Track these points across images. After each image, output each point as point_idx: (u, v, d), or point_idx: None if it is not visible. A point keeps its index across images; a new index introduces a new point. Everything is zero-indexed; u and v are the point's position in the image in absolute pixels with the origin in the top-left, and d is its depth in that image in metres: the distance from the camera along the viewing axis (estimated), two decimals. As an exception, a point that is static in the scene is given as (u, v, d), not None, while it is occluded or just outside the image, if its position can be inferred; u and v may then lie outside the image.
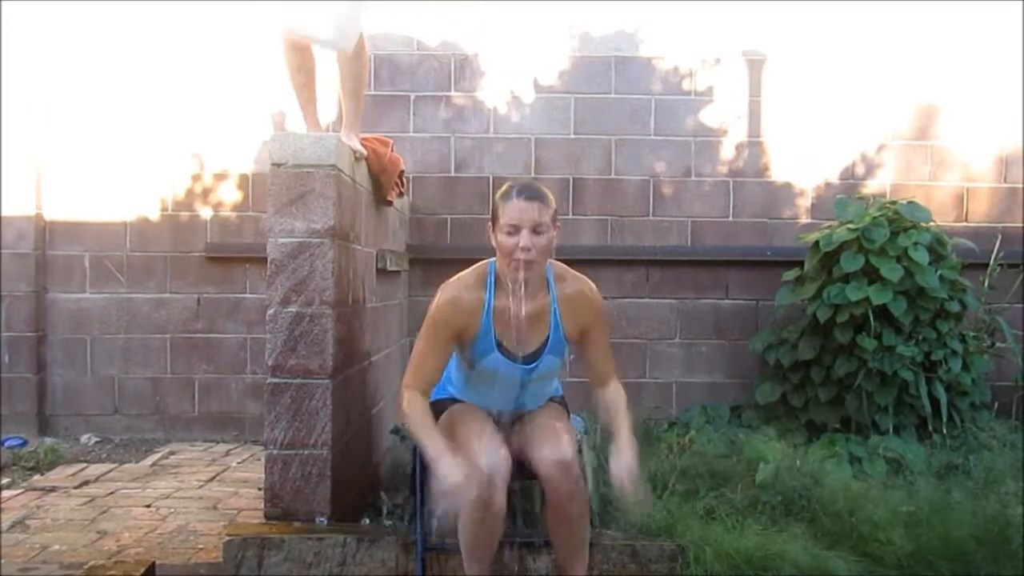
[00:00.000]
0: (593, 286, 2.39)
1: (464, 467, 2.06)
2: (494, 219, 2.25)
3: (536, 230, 2.18)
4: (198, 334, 4.45)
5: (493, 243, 2.26)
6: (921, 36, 4.44)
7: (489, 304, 2.29)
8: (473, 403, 2.43)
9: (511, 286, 2.25)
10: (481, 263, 2.36)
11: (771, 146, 4.50)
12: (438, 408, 2.43)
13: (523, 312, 2.26)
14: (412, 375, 2.30)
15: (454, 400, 2.46)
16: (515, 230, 2.19)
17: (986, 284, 3.99)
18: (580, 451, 2.30)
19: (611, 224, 4.48)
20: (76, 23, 4.38)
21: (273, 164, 2.64)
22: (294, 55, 3.01)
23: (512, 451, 2.24)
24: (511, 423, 2.43)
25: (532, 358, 2.32)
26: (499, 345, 2.30)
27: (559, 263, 2.39)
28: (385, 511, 2.66)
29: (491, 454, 2.15)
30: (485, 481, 2.10)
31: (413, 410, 2.23)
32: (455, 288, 2.31)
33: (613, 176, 4.50)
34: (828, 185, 4.48)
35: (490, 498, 2.13)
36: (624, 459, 2.15)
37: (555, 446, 2.21)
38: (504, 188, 2.27)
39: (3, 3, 4.23)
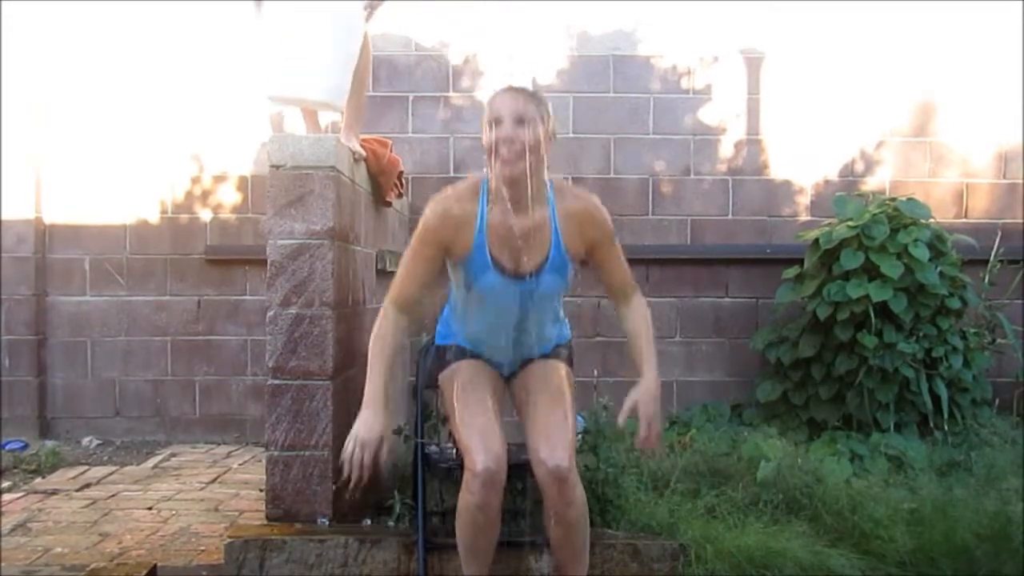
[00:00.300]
0: (597, 201, 2.26)
1: (376, 427, 2.07)
2: (482, 124, 2.12)
3: (520, 121, 2.04)
4: (198, 336, 4.45)
5: (485, 155, 2.12)
6: (919, 33, 4.44)
7: (482, 218, 2.16)
8: (474, 351, 2.37)
9: (504, 194, 2.10)
10: (473, 176, 2.24)
11: (770, 144, 4.50)
12: (444, 357, 2.39)
13: (517, 221, 2.13)
14: (394, 288, 2.26)
15: (460, 351, 2.38)
16: (497, 122, 2.06)
17: (986, 280, 4.00)
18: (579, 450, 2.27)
19: (610, 223, 4.48)
20: (76, 23, 4.38)
21: (272, 166, 2.63)
22: None
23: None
24: (514, 372, 2.38)
25: (532, 276, 2.21)
26: (494, 262, 2.19)
27: (561, 179, 2.28)
28: (398, 510, 2.65)
29: (488, 455, 2.06)
30: (481, 483, 2.06)
31: (376, 338, 2.20)
32: (446, 201, 2.20)
33: (612, 175, 4.50)
34: (827, 182, 4.48)
35: (486, 500, 2.07)
36: (644, 397, 2.13)
37: (551, 449, 2.09)
38: None
39: (3, 3, 4.23)
